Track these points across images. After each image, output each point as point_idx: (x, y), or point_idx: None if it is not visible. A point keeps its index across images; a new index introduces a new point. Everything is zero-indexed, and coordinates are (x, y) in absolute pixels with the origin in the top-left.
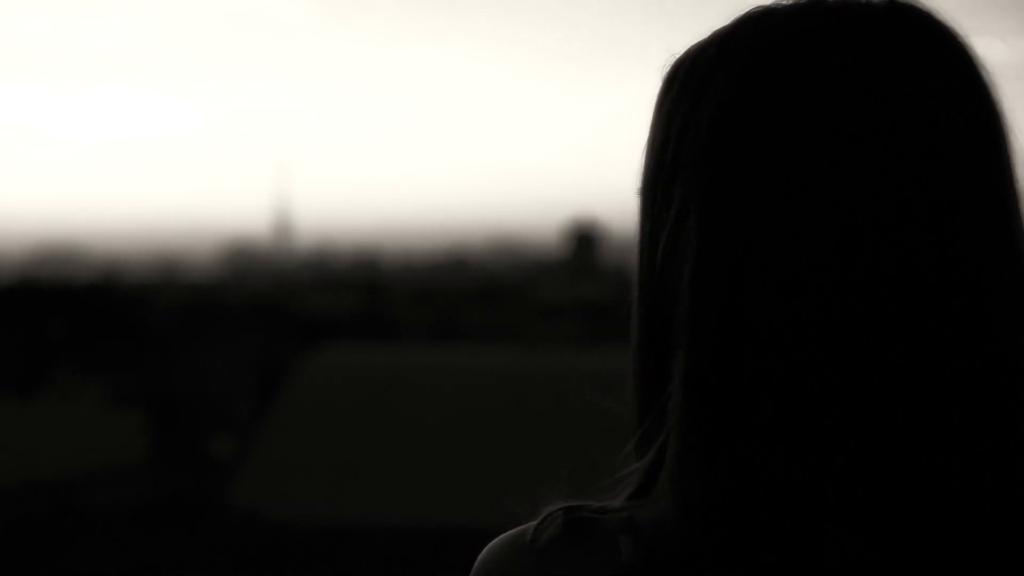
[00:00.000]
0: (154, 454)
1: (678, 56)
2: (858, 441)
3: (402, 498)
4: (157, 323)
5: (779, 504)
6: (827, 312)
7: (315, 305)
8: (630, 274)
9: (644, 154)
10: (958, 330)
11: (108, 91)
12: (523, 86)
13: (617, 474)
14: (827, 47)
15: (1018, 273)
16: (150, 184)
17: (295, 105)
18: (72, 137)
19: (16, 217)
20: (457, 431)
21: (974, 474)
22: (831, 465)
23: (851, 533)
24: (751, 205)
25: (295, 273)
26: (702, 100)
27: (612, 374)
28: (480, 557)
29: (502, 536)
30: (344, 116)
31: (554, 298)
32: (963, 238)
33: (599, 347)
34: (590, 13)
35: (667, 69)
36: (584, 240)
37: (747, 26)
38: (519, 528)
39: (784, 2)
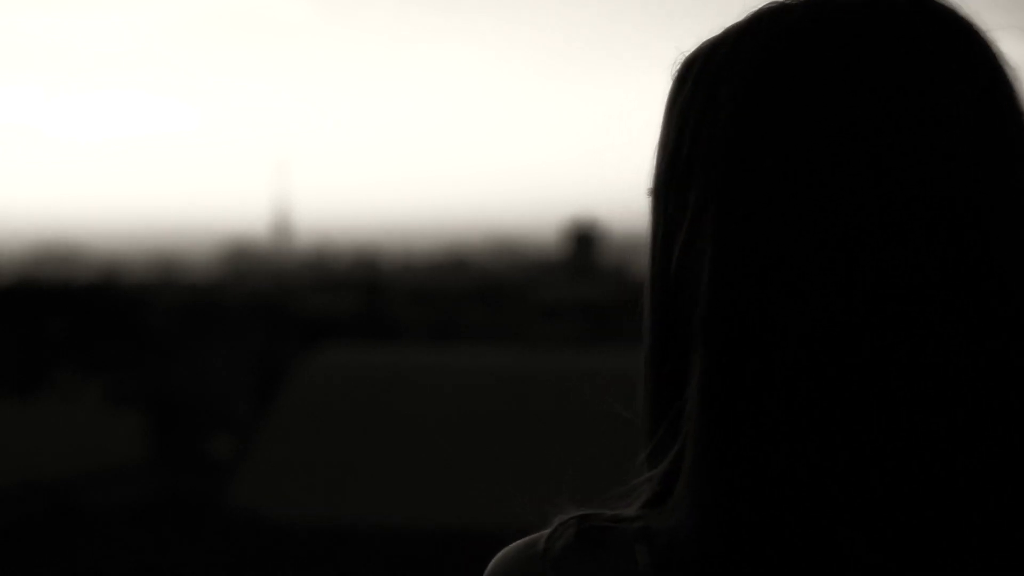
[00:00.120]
0: (154, 454)
1: (689, 54)
2: (892, 450)
3: (402, 498)
4: (157, 323)
5: (803, 514)
6: (854, 315)
7: (315, 305)
8: (630, 274)
9: (656, 154)
10: (997, 337)
11: (108, 91)
12: (523, 86)
13: (628, 481)
14: (846, 42)
15: None
16: (150, 184)
17: (295, 105)
18: (72, 137)
19: (16, 217)
20: (457, 431)
21: (1004, 481)
22: (860, 475)
23: (875, 544)
24: (771, 205)
25: (295, 273)
26: (717, 98)
27: (612, 374)
28: (490, 566)
29: (513, 545)
30: (344, 116)
31: (554, 298)
32: (991, 238)
33: (599, 347)
34: (590, 13)
35: (677, 67)
36: (584, 240)
37: (763, 21)
38: (531, 537)
39: None
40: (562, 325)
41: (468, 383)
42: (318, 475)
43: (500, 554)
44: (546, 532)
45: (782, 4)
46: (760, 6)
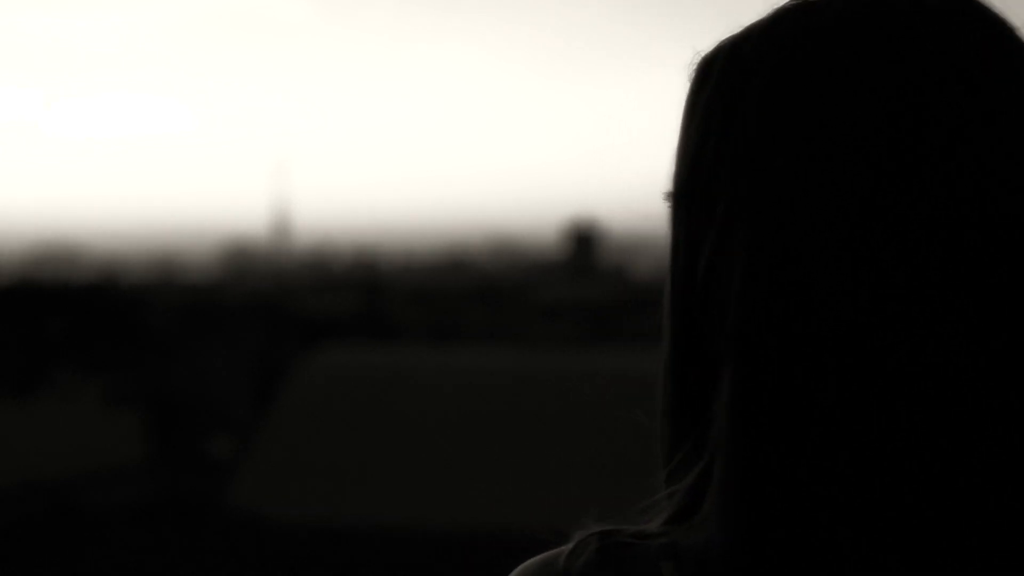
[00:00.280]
0: (153, 454)
1: (708, 52)
2: (934, 471)
3: (401, 499)
4: (156, 323)
5: (839, 533)
6: (894, 331)
7: (314, 305)
8: (630, 274)
9: (676, 158)
10: None
11: (107, 91)
12: (522, 86)
13: (637, 488)
14: (880, 37)
15: None
16: (149, 184)
17: (294, 105)
18: (71, 137)
19: (15, 217)
20: (456, 431)
21: None
22: (896, 493)
23: (915, 566)
24: (809, 213)
25: (294, 273)
26: (743, 98)
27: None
28: None
29: (531, 561)
30: (343, 116)
31: (554, 298)
32: None
33: (599, 347)
34: (590, 13)
35: (696, 67)
36: (583, 240)
37: (790, 17)
38: (549, 553)
39: None
40: (562, 325)
41: (468, 383)
42: (317, 475)
43: (517, 571)
44: (566, 548)
45: (807, 1)
46: (783, 4)
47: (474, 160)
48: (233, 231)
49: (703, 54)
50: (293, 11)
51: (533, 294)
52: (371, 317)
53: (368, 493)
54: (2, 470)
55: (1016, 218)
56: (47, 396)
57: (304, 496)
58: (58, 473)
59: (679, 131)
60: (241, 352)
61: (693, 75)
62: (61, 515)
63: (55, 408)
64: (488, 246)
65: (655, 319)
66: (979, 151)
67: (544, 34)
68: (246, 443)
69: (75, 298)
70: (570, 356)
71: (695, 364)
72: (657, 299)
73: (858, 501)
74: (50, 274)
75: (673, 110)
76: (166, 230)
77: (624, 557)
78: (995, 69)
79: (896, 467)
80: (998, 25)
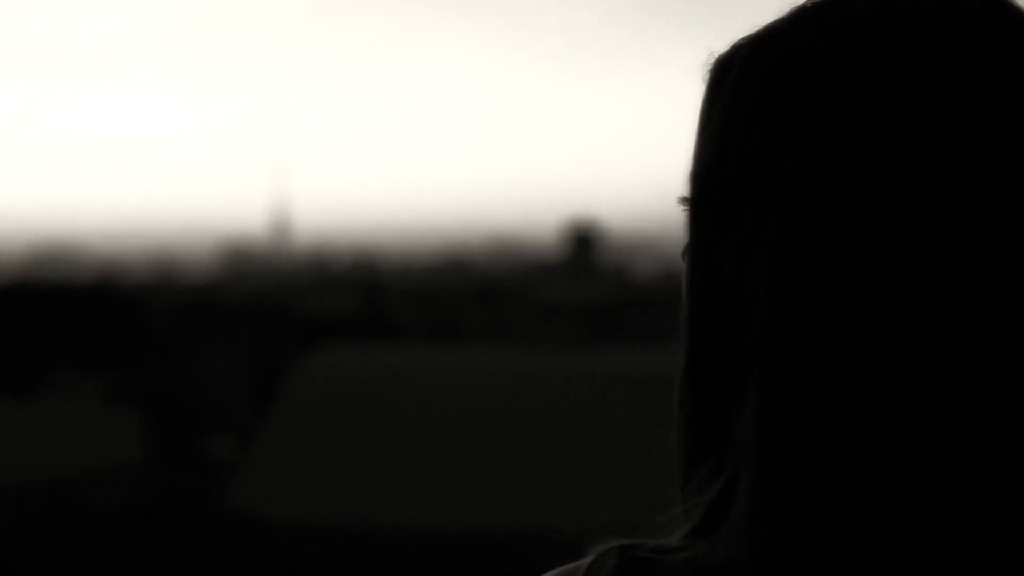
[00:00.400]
0: (153, 454)
1: (724, 53)
2: (978, 482)
3: (401, 499)
4: (156, 323)
5: (873, 548)
6: (930, 341)
7: (314, 305)
8: (629, 274)
9: (694, 161)
10: None
11: (107, 91)
12: (522, 86)
13: (648, 497)
14: (909, 36)
15: None
16: (148, 184)
17: (293, 105)
18: (70, 137)
19: (15, 217)
20: (456, 432)
21: None
22: (936, 509)
23: (912, 563)
24: (838, 214)
25: (294, 273)
26: (767, 99)
27: (611, 374)
28: None
29: (548, 574)
30: (343, 116)
31: (553, 299)
32: None
33: (598, 347)
34: (589, 14)
35: (712, 68)
36: (583, 240)
37: (811, 16)
38: (567, 567)
39: None
40: (562, 325)
41: (468, 383)
42: (317, 475)
43: None
44: (584, 562)
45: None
46: (801, 3)
47: (474, 160)
48: (232, 231)
49: (717, 55)
50: (293, 11)
51: (533, 294)
52: (371, 317)
53: (368, 493)
54: (2, 470)
55: None
56: (47, 396)
57: (304, 496)
58: (58, 473)
59: (695, 134)
60: (241, 352)
61: (709, 76)
62: (61, 515)
63: (55, 408)
64: (488, 246)
65: (655, 319)
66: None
67: (544, 34)
68: (246, 443)
69: (75, 298)
70: (570, 356)
71: (716, 373)
72: (657, 299)
73: (901, 518)
74: (49, 275)
75: (673, 110)
76: (166, 230)
77: (645, 572)
78: None
79: (942, 481)
80: None
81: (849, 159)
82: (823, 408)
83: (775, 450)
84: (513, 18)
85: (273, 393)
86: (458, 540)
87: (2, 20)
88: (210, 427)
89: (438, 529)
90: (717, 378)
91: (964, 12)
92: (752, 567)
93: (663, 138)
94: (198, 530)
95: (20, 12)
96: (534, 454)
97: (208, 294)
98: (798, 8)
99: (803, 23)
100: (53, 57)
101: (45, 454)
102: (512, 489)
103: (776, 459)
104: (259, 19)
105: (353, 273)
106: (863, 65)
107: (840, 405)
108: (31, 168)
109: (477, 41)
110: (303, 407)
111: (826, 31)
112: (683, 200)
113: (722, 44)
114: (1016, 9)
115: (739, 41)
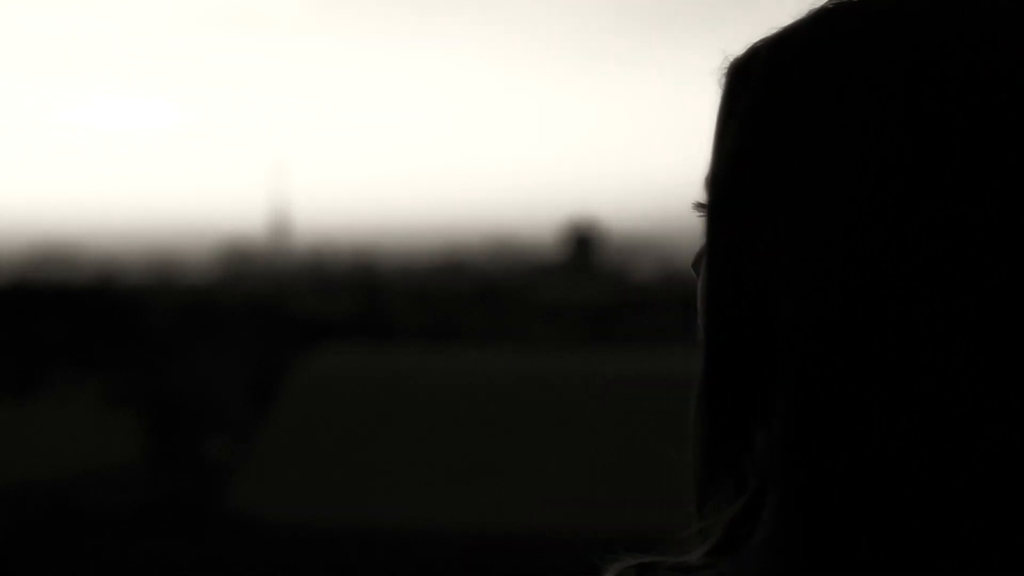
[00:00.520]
0: (152, 455)
1: (741, 56)
2: (935, 474)
3: (401, 500)
4: (155, 324)
5: (910, 566)
6: (932, 333)
7: (313, 306)
8: (629, 275)
9: (712, 165)
10: None
11: (105, 90)
12: (521, 87)
13: (648, 497)
14: (936, 36)
15: None
16: (147, 184)
17: (293, 105)
18: (69, 136)
19: (13, 218)
20: (456, 432)
21: None
22: (979, 532)
23: (913, 564)
24: (845, 216)
25: (293, 274)
26: (788, 103)
27: (611, 375)
28: None
29: None
30: (342, 116)
31: (553, 299)
32: None
33: (598, 348)
34: (588, 13)
35: (728, 70)
36: (582, 241)
37: (834, 17)
38: None
39: None
40: (561, 326)
41: (467, 384)
42: (317, 476)
43: None
44: None
45: (850, 1)
46: (822, 3)
47: (473, 160)
48: (231, 232)
49: (733, 57)
50: (294, 10)
51: (533, 295)
52: (370, 318)
53: (368, 493)
54: (2, 470)
55: None
56: (46, 397)
57: (304, 497)
58: (57, 473)
59: (712, 138)
60: (240, 353)
61: (726, 80)
62: (60, 515)
63: (54, 409)
64: (487, 247)
65: (655, 320)
66: None
67: (545, 34)
68: (245, 444)
69: (73, 299)
70: (570, 356)
71: (739, 387)
72: (657, 300)
73: (932, 542)
74: (47, 275)
75: (673, 110)
76: (164, 230)
77: None
78: None
79: (985, 504)
80: None
81: (862, 163)
82: (862, 425)
83: (809, 467)
84: (514, 19)
85: (273, 394)
86: (458, 540)
87: (1, 20)
88: (209, 428)
89: (438, 529)
90: (739, 392)
91: (987, 16)
92: None
93: (663, 139)
94: (197, 531)
95: (15, 9)
96: (534, 454)
97: (207, 294)
98: (818, 9)
99: (824, 25)
100: (50, 55)
101: (44, 454)
102: (512, 489)
103: (810, 476)
104: (259, 18)
105: (352, 274)
106: (885, 68)
107: (878, 421)
108: (30, 168)
109: (477, 41)
110: (302, 407)
111: (848, 33)
112: (699, 206)
113: (737, 47)
114: None
115: (756, 43)
